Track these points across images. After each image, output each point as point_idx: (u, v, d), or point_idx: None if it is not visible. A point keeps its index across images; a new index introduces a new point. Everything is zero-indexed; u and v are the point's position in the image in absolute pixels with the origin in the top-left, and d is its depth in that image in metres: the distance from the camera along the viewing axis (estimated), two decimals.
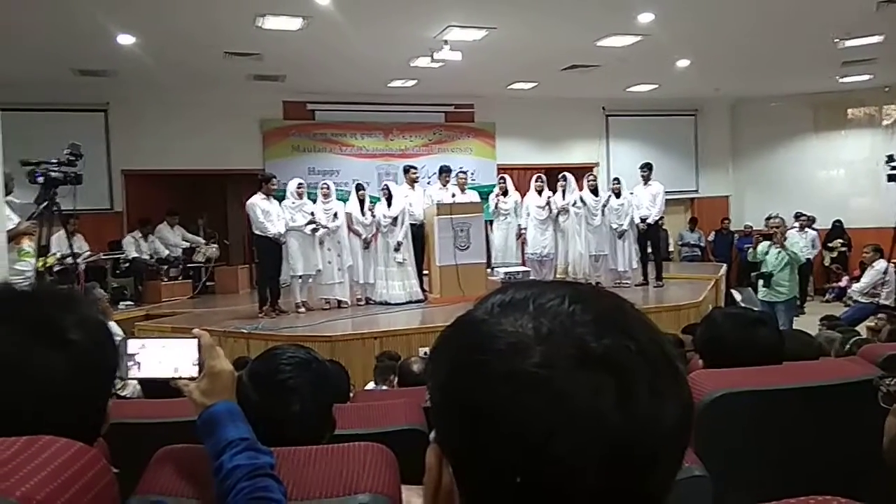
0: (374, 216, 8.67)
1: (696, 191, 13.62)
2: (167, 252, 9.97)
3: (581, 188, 9.43)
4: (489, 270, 8.92)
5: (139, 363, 1.30)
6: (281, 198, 8.32)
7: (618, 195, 9.27)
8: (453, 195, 9.05)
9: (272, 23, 7.33)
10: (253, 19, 7.20)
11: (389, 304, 8.51)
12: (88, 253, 8.74)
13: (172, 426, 1.87)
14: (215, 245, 10.54)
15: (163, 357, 1.29)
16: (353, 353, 6.47)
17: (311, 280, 8.44)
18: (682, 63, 10.01)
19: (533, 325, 0.53)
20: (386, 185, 9.08)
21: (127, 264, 9.47)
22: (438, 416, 0.56)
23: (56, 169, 5.08)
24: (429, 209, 8.82)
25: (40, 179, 5.02)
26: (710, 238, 13.28)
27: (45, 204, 5.27)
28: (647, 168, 9.39)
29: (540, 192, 9.42)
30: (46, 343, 0.92)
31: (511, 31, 7.96)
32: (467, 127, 12.24)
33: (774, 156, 13.40)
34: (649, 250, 9.34)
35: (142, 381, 2.81)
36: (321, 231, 8.30)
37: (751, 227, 12.77)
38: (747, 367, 1.69)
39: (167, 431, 1.59)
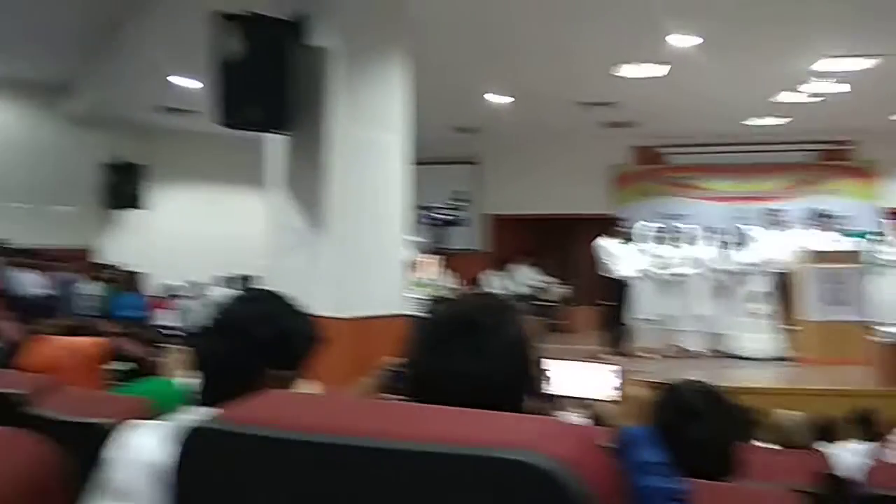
0: (730, 263, 8.17)
1: None
2: (521, 290, 10.73)
3: None
4: (870, 330, 7.67)
5: (551, 379, 1.43)
6: (631, 241, 8.36)
7: None
8: (825, 242, 8.07)
9: (629, 71, 7.49)
10: (610, 69, 7.45)
11: (743, 357, 7.87)
12: (457, 287, 9.87)
13: None
14: (564, 285, 11.02)
15: (579, 378, 1.40)
16: None
17: (659, 325, 8.25)
18: None
19: None
20: (743, 229, 8.49)
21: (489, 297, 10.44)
22: None
23: (442, 213, 5.87)
24: (795, 257, 7.98)
25: (429, 221, 5.83)
26: None
27: (431, 242, 6.12)
28: None
29: None
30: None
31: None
32: (842, 166, 10.83)
33: None
34: None
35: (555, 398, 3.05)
36: (672, 276, 8.11)
37: None
38: None
39: None
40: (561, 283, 11.08)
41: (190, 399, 1.29)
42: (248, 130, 4.38)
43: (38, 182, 9.92)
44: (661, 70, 7.35)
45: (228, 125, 4.28)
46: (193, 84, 8.36)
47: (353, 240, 4.60)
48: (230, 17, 4.17)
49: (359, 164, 4.63)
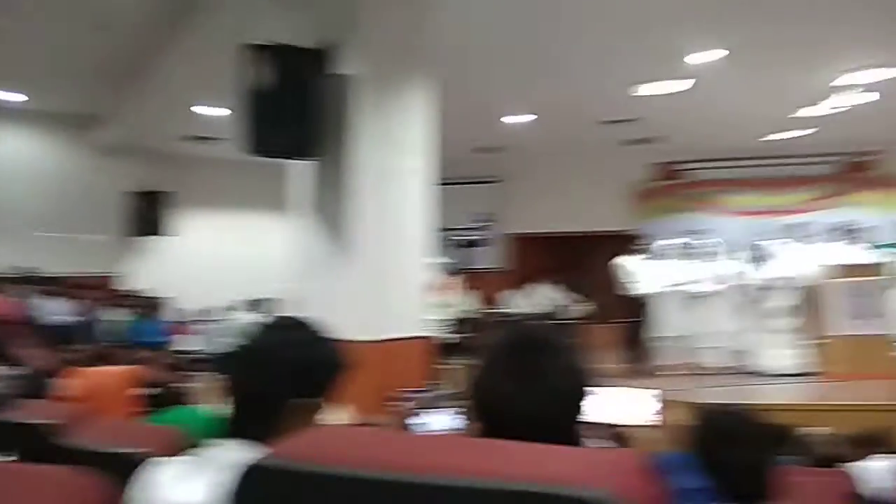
0: (752, 278, 8.12)
1: None
2: (542, 308, 10.71)
3: None
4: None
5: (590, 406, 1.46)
6: (651, 258, 8.36)
7: None
8: (850, 255, 8.00)
9: (650, 88, 7.53)
10: (630, 87, 7.50)
11: (767, 374, 7.79)
12: (478, 307, 9.88)
13: None
14: (585, 303, 10.98)
15: (620, 403, 1.44)
16: None
17: (681, 342, 8.21)
18: None
19: None
20: (765, 244, 8.44)
21: (506, 318, 10.44)
22: None
23: (465, 233, 5.92)
24: (819, 271, 7.91)
25: (453, 242, 5.89)
26: None
27: (455, 263, 6.18)
28: None
29: None
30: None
31: None
32: (863, 177, 10.75)
33: None
34: None
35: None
36: (693, 292, 8.08)
37: None
38: None
39: None
40: (582, 301, 11.04)
41: (217, 430, 1.28)
42: (276, 158, 4.48)
43: (67, 211, 10.13)
44: (684, 85, 7.38)
45: (256, 153, 4.38)
46: (218, 112, 8.55)
47: (377, 263, 4.66)
48: (258, 48, 4.28)
49: (383, 189, 4.70)
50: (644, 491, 0.68)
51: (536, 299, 10.79)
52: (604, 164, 10.98)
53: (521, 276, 11.11)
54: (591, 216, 11.10)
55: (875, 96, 7.55)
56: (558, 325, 10.66)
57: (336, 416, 1.77)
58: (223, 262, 11.08)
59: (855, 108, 7.93)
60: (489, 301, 10.65)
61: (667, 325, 8.11)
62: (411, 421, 1.76)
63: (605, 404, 1.39)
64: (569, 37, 6.11)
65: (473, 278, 8.75)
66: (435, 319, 5.77)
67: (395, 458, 0.71)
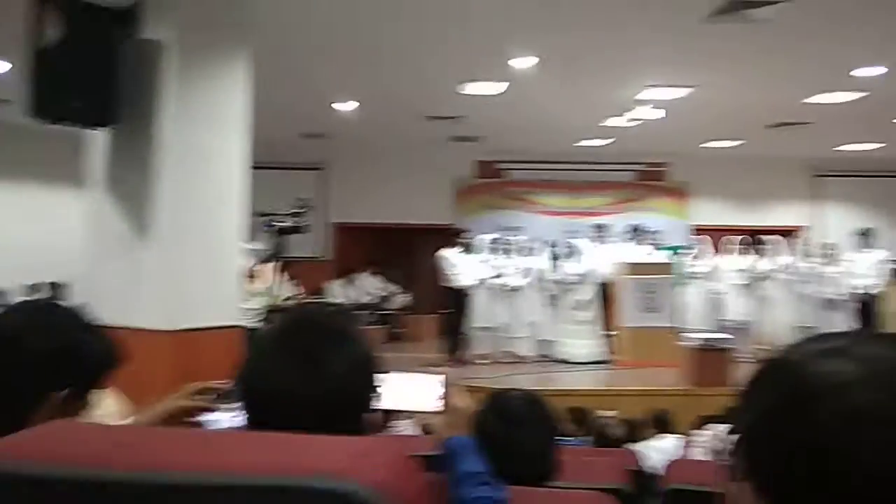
0: (560, 273, 8.71)
1: None
2: (364, 298, 10.70)
3: (788, 252, 8.78)
4: (679, 335, 8.51)
5: (380, 394, 1.43)
6: (471, 252, 8.65)
7: (833, 262, 8.51)
8: (642, 255, 8.85)
9: (473, 88, 7.76)
10: (455, 85, 7.67)
11: (570, 362, 8.41)
12: (297, 296, 9.62)
13: None
14: (408, 294, 11.14)
15: (406, 390, 1.41)
16: None
17: (494, 332, 8.60)
18: None
19: (858, 368, 0.54)
20: (572, 242, 9.09)
21: (329, 308, 10.31)
22: (756, 452, 0.58)
23: (283, 220, 5.72)
24: (616, 268, 8.67)
25: (271, 229, 5.66)
26: None
27: (271, 250, 5.94)
28: (866, 233, 8.55)
29: (740, 256, 8.90)
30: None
31: (713, 91, 7.74)
32: (659, 186, 11.96)
33: None
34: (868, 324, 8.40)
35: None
36: (507, 285, 8.49)
37: None
38: None
39: None
40: (403, 292, 11.19)
41: None
42: (65, 124, 3.99)
43: None
44: (500, 87, 7.68)
45: (41, 118, 3.88)
46: (2, 67, 7.51)
47: (182, 247, 4.33)
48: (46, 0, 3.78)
49: (191, 167, 4.37)
50: (403, 481, 0.65)
51: (358, 289, 10.75)
52: (429, 159, 11.19)
53: (343, 266, 11.01)
54: (415, 209, 11.27)
55: (662, 113, 8.37)
56: (380, 314, 10.72)
57: (104, 410, 1.59)
58: (4, 240, 9.79)
59: (648, 123, 8.74)
60: (311, 291, 10.43)
61: (482, 315, 8.44)
62: (201, 416, 1.63)
63: (395, 391, 1.35)
64: (400, 27, 6.09)
65: (292, 267, 8.48)
66: (247, 309, 5.51)
67: (121, 454, 0.63)
